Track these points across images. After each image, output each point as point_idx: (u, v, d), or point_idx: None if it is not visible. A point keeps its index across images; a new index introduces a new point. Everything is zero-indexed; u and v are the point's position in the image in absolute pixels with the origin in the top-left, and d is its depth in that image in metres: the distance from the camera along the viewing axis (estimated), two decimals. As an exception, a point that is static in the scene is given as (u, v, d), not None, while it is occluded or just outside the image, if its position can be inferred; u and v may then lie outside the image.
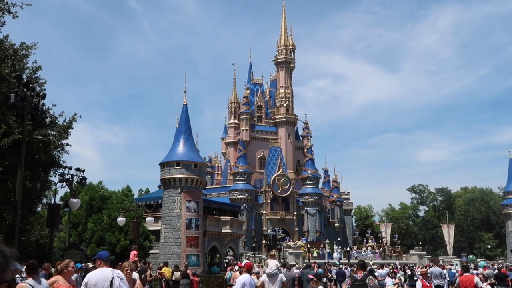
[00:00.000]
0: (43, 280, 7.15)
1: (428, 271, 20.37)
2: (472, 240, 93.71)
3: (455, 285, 14.92)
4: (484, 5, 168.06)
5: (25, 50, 18.27)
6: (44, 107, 18.75)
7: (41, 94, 16.92)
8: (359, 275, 11.64)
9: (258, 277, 17.22)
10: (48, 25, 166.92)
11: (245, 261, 12.79)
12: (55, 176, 21.83)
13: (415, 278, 27.77)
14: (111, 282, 7.42)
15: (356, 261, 24.15)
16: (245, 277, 10.68)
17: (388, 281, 22.65)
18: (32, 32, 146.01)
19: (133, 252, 20.58)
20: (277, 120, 79.47)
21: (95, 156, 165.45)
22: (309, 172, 74.44)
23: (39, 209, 30.21)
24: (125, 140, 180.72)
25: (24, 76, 16.96)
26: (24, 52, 18.26)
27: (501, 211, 77.32)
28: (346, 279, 21.42)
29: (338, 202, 79.42)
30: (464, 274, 13.29)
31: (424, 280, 13.89)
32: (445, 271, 25.56)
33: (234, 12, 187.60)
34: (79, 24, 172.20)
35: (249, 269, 10.91)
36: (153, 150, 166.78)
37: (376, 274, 22.04)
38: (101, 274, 7.54)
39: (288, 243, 57.15)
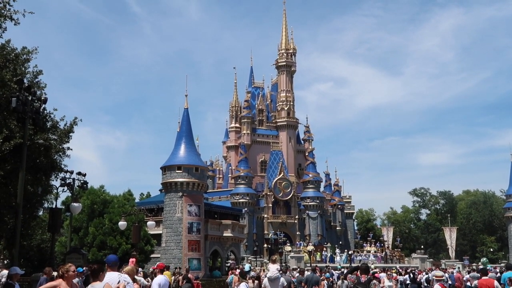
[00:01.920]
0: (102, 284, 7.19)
1: (430, 275, 20.29)
2: (474, 243, 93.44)
3: None
4: (485, 8, 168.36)
5: (26, 54, 18.30)
6: (45, 111, 18.77)
7: (42, 98, 16.96)
8: (363, 279, 11.59)
9: (254, 281, 17.20)
10: (51, 29, 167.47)
11: (158, 263, 13.42)
12: (56, 180, 21.86)
13: (418, 281, 27.71)
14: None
15: (358, 265, 24.00)
16: (160, 278, 11.24)
17: None
18: (35, 36, 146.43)
19: (132, 260, 20.63)
20: (278, 124, 79.49)
21: (97, 160, 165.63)
22: (310, 175, 74.36)
23: (40, 213, 30.18)
24: (126, 144, 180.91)
25: (25, 80, 16.97)
26: (25, 57, 18.29)
27: (503, 214, 77.13)
28: (351, 275, 21.29)
29: (339, 206, 79.31)
30: (483, 278, 13.07)
31: (443, 284, 13.51)
32: (447, 274, 25.48)
33: (235, 16, 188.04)
34: (81, 28, 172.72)
35: (161, 269, 11.51)
36: (155, 154, 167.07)
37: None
38: (107, 279, 7.57)
39: (289, 248, 57.02)
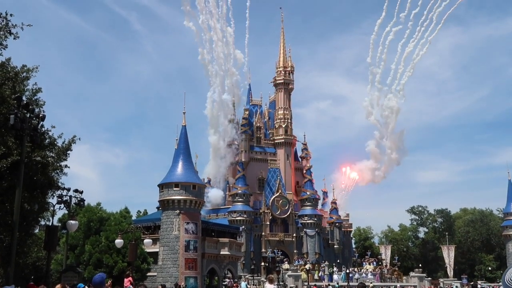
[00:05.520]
0: None
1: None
2: (473, 262, 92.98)
3: None
4: (483, 27, 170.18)
5: (26, 72, 18.38)
6: (43, 129, 18.77)
7: (40, 115, 16.97)
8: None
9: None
10: (52, 46, 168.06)
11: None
12: (53, 198, 21.73)
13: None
14: None
15: (356, 283, 23.90)
16: None
17: None
18: (35, 53, 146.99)
19: (127, 279, 20.55)
20: (275, 141, 79.59)
21: (96, 177, 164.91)
22: (308, 193, 74.24)
23: (36, 231, 30.01)
24: (125, 161, 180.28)
25: (24, 98, 17.02)
26: (25, 75, 18.36)
27: (501, 232, 76.93)
28: None
29: (337, 224, 79.00)
30: None
31: None
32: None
33: (235, 34, 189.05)
34: (82, 46, 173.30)
35: None
36: (153, 171, 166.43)
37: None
38: None
39: (286, 266, 56.60)
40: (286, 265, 57.11)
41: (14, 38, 16.52)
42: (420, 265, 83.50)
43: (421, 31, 75.79)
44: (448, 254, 75.44)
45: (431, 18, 74.26)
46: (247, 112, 79.41)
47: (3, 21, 16.31)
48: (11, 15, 16.35)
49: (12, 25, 16.33)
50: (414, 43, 76.93)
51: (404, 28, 76.60)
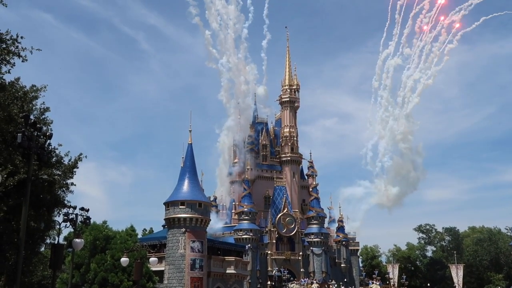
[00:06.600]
0: None
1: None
2: (482, 281, 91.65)
3: None
4: (489, 45, 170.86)
5: (35, 92, 18.52)
6: (50, 147, 18.84)
7: (47, 134, 17.06)
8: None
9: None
10: (59, 65, 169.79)
11: None
12: (59, 216, 21.71)
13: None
14: None
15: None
16: None
17: None
18: (43, 72, 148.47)
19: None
20: (282, 159, 79.54)
21: (102, 195, 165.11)
22: (314, 211, 73.86)
23: (42, 249, 29.95)
24: (131, 179, 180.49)
25: (32, 116, 17.12)
26: (33, 94, 18.50)
27: (510, 251, 75.99)
28: None
29: (344, 242, 78.38)
30: None
31: None
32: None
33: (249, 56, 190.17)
34: (90, 65, 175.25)
35: None
36: (159, 189, 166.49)
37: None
38: None
39: (293, 285, 56.13)
40: (293, 285, 56.61)
41: (22, 61, 16.63)
42: (429, 284, 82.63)
43: (427, 61, 76.35)
44: (457, 273, 74.49)
45: (436, 52, 74.87)
46: (253, 130, 79.59)
47: (13, 43, 16.46)
48: (21, 37, 16.50)
49: (22, 48, 16.47)
50: (420, 74, 77.42)
51: (410, 60, 77.26)
